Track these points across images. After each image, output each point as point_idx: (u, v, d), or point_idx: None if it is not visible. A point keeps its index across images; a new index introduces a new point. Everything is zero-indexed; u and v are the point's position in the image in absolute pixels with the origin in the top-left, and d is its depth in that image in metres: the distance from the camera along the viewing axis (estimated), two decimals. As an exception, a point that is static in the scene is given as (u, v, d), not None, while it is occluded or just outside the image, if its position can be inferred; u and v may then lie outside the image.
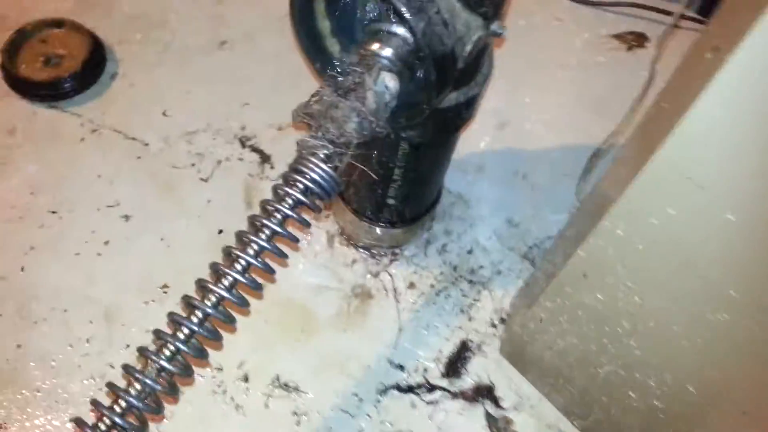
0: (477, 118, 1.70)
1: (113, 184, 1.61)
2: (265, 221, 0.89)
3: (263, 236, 0.91)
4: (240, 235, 0.90)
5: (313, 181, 0.94)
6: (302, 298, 1.47)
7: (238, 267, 0.87)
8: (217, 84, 1.79)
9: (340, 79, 0.97)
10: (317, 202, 0.96)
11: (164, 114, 1.73)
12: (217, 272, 0.87)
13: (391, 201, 1.33)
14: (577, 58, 1.87)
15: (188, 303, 0.86)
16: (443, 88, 0.94)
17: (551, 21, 2.03)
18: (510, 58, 1.86)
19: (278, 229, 0.92)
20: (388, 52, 0.94)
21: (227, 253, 0.88)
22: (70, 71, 1.69)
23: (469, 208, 1.55)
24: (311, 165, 0.94)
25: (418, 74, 0.96)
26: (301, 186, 0.96)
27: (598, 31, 1.95)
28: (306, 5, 0.99)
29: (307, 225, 0.98)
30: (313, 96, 1.00)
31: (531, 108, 1.83)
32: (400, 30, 0.93)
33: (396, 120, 0.99)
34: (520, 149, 1.69)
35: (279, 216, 0.91)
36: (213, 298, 0.85)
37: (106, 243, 1.52)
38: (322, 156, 0.96)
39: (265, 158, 1.68)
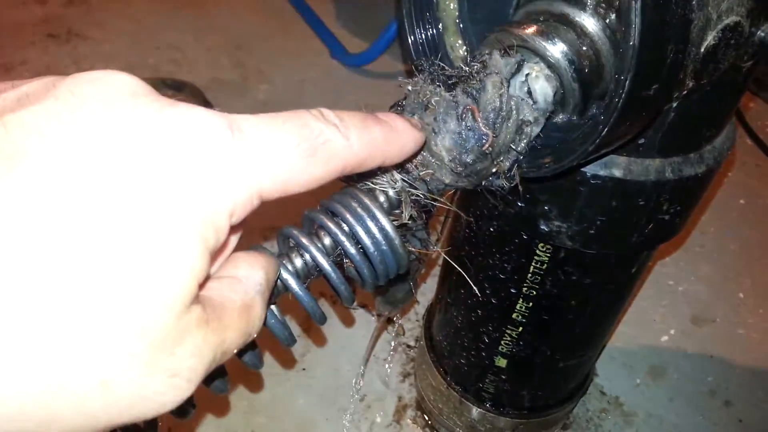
0: (664, 298, 1.17)
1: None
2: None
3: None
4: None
5: (351, 237, 0.48)
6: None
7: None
8: (324, 185, 1.42)
9: (446, 69, 0.53)
10: (346, 285, 0.50)
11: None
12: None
13: (500, 362, 0.80)
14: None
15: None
16: (639, 111, 0.46)
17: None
18: (722, 238, 1.33)
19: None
20: (553, 46, 0.50)
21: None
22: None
23: (628, 427, 0.98)
24: (356, 209, 0.49)
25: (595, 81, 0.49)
26: (326, 242, 0.50)
27: None
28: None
29: (320, 320, 0.52)
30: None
31: (745, 307, 1.24)
32: (587, 19, 0.50)
33: (534, 161, 0.51)
34: (723, 360, 1.14)
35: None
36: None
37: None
38: (380, 199, 0.51)
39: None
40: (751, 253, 1.38)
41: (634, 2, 0.38)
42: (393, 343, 1.12)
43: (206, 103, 1.54)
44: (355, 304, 0.54)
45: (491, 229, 0.69)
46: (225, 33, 1.95)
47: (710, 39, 0.46)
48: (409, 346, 1.14)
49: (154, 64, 1.78)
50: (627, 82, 0.40)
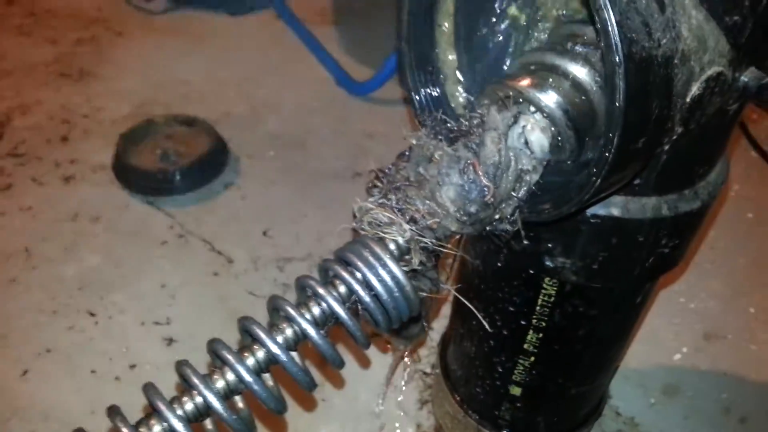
0: (676, 316, 1.19)
1: (174, 299, 1.27)
2: (252, 344, 0.50)
3: (238, 367, 0.49)
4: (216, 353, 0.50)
5: (365, 285, 0.52)
6: None
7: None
8: (336, 212, 1.46)
9: (448, 123, 0.56)
10: (362, 332, 0.54)
11: (264, 234, 1.42)
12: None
13: (515, 390, 0.82)
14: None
15: None
16: (630, 161, 0.49)
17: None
18: (731, 253, 1.35)
19: (275, 352, 0.50)
20: (547, 96, 0.53)
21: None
22: (180, 166, 1.47)
23: (645, 447, 1.01)
24: (368, 258, 0.53)
25: (585, 128, 0.52)
26: (341, 290, 0.53)
27: None
28: (422, 27, 0.62)
29: (338, 366, 0.55)
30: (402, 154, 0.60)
31: (756, 322, 1.25)
32: (578, 69, 0.53)
33: (535, 206, 0.53)
34: (737, 377, 1.16)
35: (279, 337, 0.51)
36: None
37: (133, 367, 1.15)
38: (390, 247, 0.54)
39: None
40: (760, 267, 1.39)
41: (617, 67, 0.41)
42: (408, 371, 1.15)
43: (218, 138, 1.58)
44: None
45: (499, 265, 0.72)
46: (232, 66, 2.00)
47: (695, 89, 0.49)
48: (425, 373, 1.16)
49: (166, 101, 1.83)
50: (615, 138, 0.43)
